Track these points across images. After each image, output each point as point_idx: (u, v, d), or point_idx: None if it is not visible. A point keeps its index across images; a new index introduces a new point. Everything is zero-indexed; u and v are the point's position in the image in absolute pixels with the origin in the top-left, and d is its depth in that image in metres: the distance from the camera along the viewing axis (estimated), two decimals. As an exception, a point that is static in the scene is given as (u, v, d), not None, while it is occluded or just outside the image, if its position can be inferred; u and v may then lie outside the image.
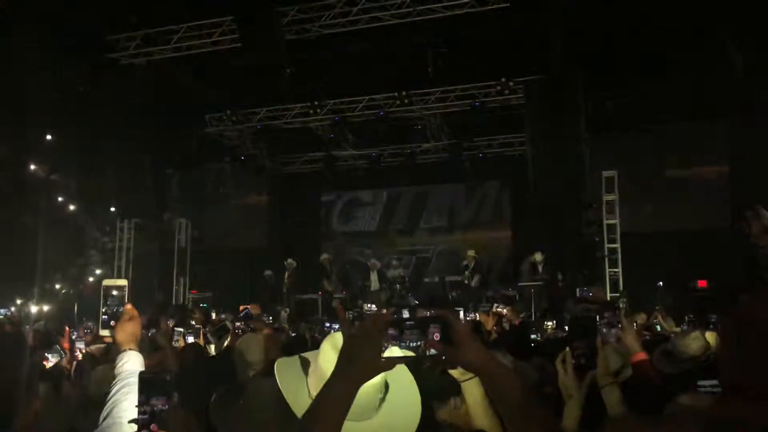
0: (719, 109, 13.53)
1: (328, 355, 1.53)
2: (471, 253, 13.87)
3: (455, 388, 1.54)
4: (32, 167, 13.85)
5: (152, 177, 14.79)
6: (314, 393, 1.52)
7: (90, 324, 6.91)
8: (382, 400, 1.52)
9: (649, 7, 10.70)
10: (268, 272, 15.46)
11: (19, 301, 12.79)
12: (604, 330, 2.60)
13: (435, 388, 1.71)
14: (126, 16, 11.99)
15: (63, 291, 13.52)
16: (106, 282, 2.20)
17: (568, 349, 2.35)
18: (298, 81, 13.26)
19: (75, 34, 11.63)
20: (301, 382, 1.63)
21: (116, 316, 2.11)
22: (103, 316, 2.15)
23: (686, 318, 6.07)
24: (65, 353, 5.05)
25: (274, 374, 1.84)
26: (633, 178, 13.53)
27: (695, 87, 12.59)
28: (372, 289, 14.36)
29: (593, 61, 12.08)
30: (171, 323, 7.65)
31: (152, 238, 16.25)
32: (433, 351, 1.35)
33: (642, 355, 2.74)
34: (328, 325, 7.35)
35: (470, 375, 1.48)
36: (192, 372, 3.27)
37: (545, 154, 13.04)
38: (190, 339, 4.96)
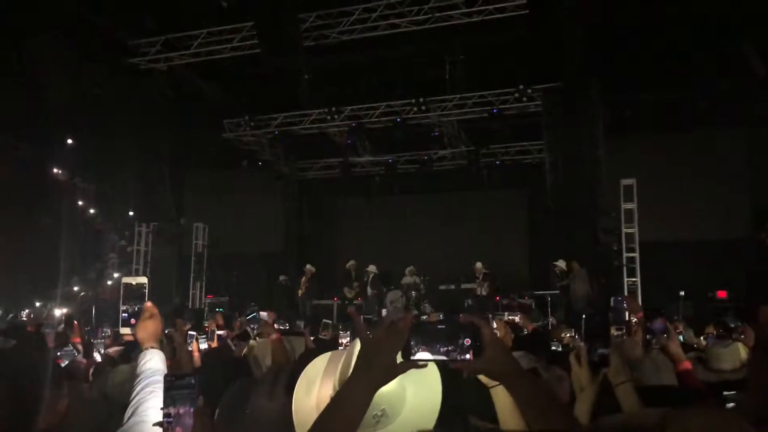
0: (739, 117, 13.40)
1: (347, 360, 1.52)
2: (479, 266, 13.84)
3: (486, 394, 1.54)
4: (52, 171, 14.04)
5: (170, 181, 14.91)
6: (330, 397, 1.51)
7: (107, 329, 6.96)
8: (380, 416, 1.51)
9: (668, 13, 10.63)
10: (283, 277, 15.52)
11: (38, 303, 12.95)
12: (647, 337, 2.61)
13: (468, 394, 1.70)
14: (146, 22, 12.12)
15: (81, 294, 13.64)
16: (126, 280, 2.19)
17: (583, 344, 2.35)
18: (316, 87, 13.32)
19: (95, 38, 11.78)
20: (319, 384, 1.62)
21: (137, 315, 2.11)
22: (123, 314, 2.14)
23: (716, 330, 6.02)
24: (78, 351, 5.08)
25: (280, 386, 1.84)
26: (652, 186, 13.40)
27: (715, 94, 12.48)
28: (369, 294, 14.35)
29: (611, 68, 12.00)
30: (187, 326, 7.69)
31: (170, 242, 16.37)
32: (467, 356, 1.36)
33: (688, 364, 2.72)
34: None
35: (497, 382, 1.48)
36: (212, 375, 3.27)
37: (563, 162, 12.98)
38: (203, 345, 4.95)
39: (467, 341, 1.36)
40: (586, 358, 2.19)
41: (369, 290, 14.31)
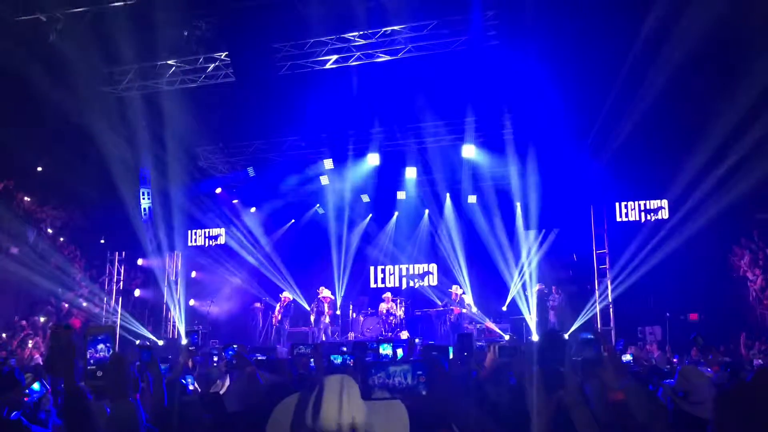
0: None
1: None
2: (455, 288, 13.89)
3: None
4: (24, 198, 13.82)
5: (144, 209, 14.75)
6: None
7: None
8: None
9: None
10: (257, 304, 15.36)
11: (4, 335, 12.61)
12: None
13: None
14: (121, 50, 12.01)
15: (50, 325, 13.30)
16: (92, 329, 2.09)
17: (536, 368, 2.29)
18: (290, 115, 13.30)
19: (70, 66, 11.63)
20: None
21: (102, 367, 2.00)
22: (89, 367, 2.03)
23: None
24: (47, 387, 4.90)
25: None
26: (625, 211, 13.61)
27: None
28: (325, 319, 14.21)
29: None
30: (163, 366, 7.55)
31: (143, 271, 16.08)
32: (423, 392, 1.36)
33: (620, 395, 2.62)
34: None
35: None
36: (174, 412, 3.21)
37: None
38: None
39: (422, 378, 1.35)
40: (542, 381, 2.15)
41: (326, 316, 14.15)
